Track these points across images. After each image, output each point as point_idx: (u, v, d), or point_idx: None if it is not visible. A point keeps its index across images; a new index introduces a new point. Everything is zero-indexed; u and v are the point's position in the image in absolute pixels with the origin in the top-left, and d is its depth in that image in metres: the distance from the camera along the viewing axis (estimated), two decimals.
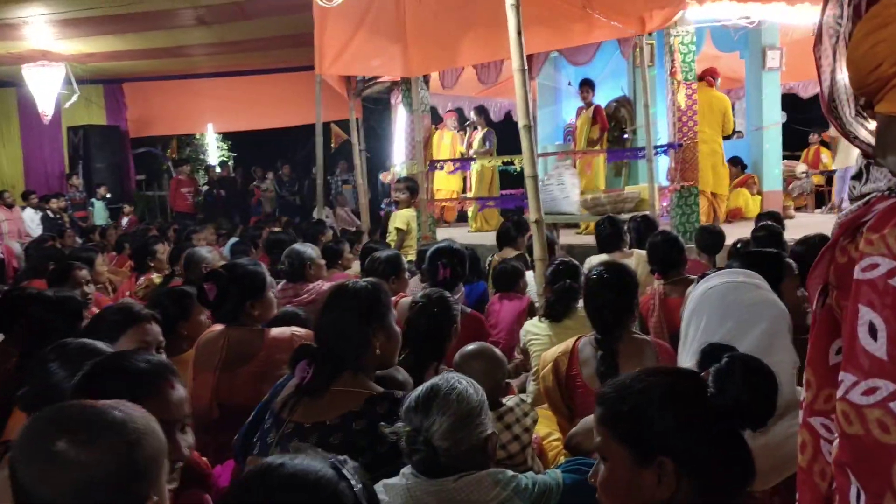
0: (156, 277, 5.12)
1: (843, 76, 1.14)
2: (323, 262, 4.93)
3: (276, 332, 2.88)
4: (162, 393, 1.64)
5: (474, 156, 10.57)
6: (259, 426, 2.18)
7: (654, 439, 1.35)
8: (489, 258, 5.84)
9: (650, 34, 7.38)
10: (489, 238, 7.58)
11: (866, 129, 1.16)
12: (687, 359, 1.97)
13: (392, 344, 2.26)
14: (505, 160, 9.44)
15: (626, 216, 6.11)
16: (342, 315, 2.18)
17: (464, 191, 11.77)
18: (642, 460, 1.35)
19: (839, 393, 1.07)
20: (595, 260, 4.80)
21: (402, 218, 7.02)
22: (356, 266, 5.72)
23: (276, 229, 9.05)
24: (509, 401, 2.45)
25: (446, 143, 11.26)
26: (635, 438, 1.37)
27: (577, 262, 3.88)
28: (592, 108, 9.32)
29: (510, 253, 5.45)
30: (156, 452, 1.27)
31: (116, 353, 1.82)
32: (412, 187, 7.28)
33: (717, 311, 1.96)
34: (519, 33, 4.69)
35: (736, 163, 9.93)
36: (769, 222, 5.21)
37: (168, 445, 1.38)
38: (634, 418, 1.37)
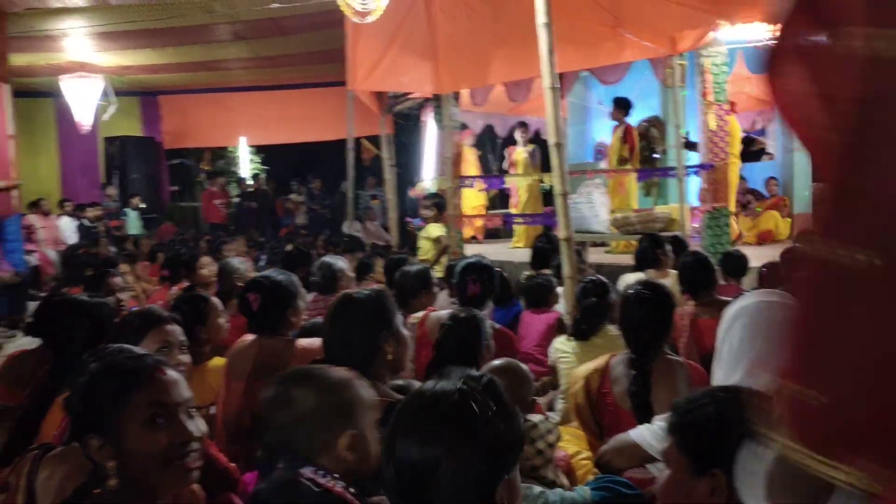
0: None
1: None
2: (353, 274, 4.97)
3: (306, 342, 2.92)
4: (153, 379, 1.70)
5: (520, 173, 10.58)
6: None
7: (711, 452, 1.42)
8: (525, 274, 5.83)
9: (681, 55, 7.37)
10: (524, 255, 7.57)
11: None
12: (720, 377, 1.96)
13: (402, 348, 2.28)
14: (538, 178, 9.45)
15: None
16: (350, 326, 2.20)
17: (492, 208, 11.79)
18: (697, 470, 1.42)
19: None
20: (631, 278, 4.78)
21: (436, 228, 7.05)
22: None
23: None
24: (533, 418, 2.45)
25: (472, 159, 11.31)
26: (694, 449, 1.45)
27: (606, 280, 3.87)
28: (623, 126, 9.30)
29: (538, 273, 5.43)
30: (354, 398, 1.77)
31: (107, 356, 1.87)
32: (440, 203, 7.30)
33: (748, 329, 1.95)
34: (550, 52, 4.72)
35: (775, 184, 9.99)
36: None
37: (173, 428, 1.59)
38: (696, 430, 1.45)
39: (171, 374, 1.77)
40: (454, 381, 1.37)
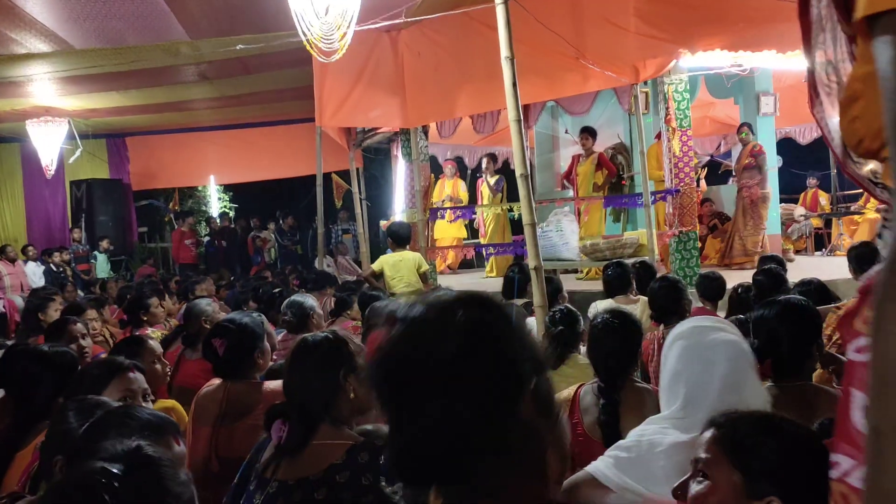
0: (152, 332, 5.07)
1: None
2: (321, 312, 4.93)
3: (274, 385, 2.88)
4: (167, 446, 1.68)
5: (486, 202, 10.67)
6: (245, 486, 2.17)
7: (771, 476, 1.38)
8: None
9: (645, 83, 7.50)
10: (496, 284, 7.57)
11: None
12: (663, 401, 2.01)
13: (366, 388, 2.25)
14: (505, 207, 9.52)
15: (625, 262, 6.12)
16: (306, 369, 2.19)
17: (468, 238, 11.83)
18: (752, 493, 1.39)
19: (835, 474, 1.04)
20: (601, 306, 4.80)
21: (379, 260, 7.05)
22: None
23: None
24: None
25: (447, 192, 11.36)
26: (752, 469, 1.40)
27: (575, 311, 3.88)
28: (596, 154, 9.39)
29: (518, 302, 5.40)
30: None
31: (124, 407, 1.88)
32: (392, 231, 7.28)
33: (683, 353, 1.98)
34: (514, 85, 4.77)
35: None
36: (772, 265, 5.20)
37: None
38: (758, 450, 1.41)
39: (182, 446, 1.82)
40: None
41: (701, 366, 1.93)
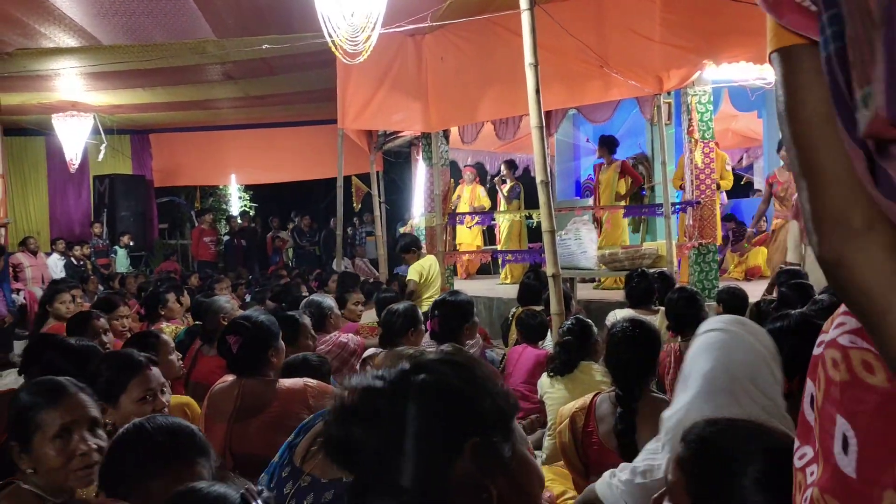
0: (165, 326, 5.12)
1: None
2: (339, 312, 4.96)
3: (289, 382, 2.90)
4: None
5: (502, 209, 10.68)
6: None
7: (723, 498, 1.29)
8: (512, 310, 5.82)
9: (668, 93, 7.46)
10: (510, 290, 7.57)
11: None
12: (684, 401, 1.94)
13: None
14: (524, 214, 9.51)
15: None
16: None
17: (485, 244, 11.83)
18: None
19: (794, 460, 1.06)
20: (620, 314, 4.76)
21: (412, 271, 7.07)
22: (369, 316, 5.72)
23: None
24: None
25: (465, 196, 11.36)
26: (702, 492, 1.32)
27: (587, 321, 3.88)
28: (618, 163, 9.35)
29: (535, 309, 5.37)
30: None
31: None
32: (405, 246, 7.33)
33: (696, 354, 1.94)
34: (537, 91, 4.78)
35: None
36: (800, 280, 5.07)
37: None
38: (715, 484, 1.31)
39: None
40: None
41: (719, 364, 1.85)
